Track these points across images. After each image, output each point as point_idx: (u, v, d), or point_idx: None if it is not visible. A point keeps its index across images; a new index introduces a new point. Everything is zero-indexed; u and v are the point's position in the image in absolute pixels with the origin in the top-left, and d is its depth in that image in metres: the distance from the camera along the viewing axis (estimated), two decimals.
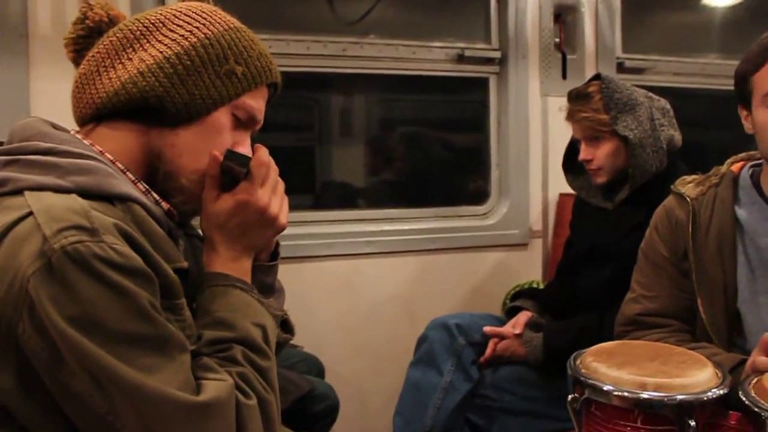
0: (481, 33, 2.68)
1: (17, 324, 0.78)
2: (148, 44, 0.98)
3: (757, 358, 1.14)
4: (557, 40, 2.61)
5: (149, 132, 0.97)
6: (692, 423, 1.00)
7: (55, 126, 0.96)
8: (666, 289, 1.47)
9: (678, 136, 1.96)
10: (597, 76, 1.99)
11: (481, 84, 2.68)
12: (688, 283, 1.43)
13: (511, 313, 2.13)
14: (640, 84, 2.04)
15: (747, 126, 1.37)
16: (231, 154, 1.00)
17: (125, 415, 0.80)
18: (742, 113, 1.37)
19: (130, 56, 0.97)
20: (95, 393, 0.79)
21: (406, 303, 2.47)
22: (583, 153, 1.97)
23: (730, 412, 1.06)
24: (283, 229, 1.05)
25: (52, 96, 1.99)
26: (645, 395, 1.03)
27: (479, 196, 2.72)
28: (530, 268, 2.62)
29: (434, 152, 2.99)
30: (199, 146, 0.99)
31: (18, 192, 0.86)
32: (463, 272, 2.56)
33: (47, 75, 2.04)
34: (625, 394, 1.03)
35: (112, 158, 0.95)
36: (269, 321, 1.00)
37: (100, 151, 0.95)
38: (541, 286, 2.43)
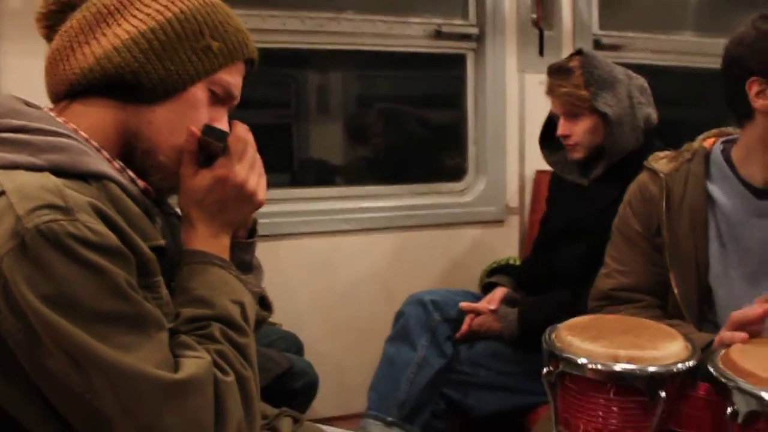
0: (458, 9, 2.67)
1: None
2: (122, 19, 0.96)
3: (723, 332, 1.17)
4: (534, 16, 2.60)
5: (125, 109, 0.96)
6: (662, 394, 1.03)
7: (27, 103, 0.95)
8: (639, 264, 1.49)
9: (654, 115, 1.98)
10: (579, 52, 2.00)
11: (459, 60, 2.67)
12: (661, 258, 1.46)
13: (487, 289, 2.16)
14: (616, 61, 2.05)
15: (760, 103, 1.30)
16: (209, 129, 0.99)
17: (103, 394, 0.80)
18: (753, 88, 1.31)
19: (104, 31, 0.96)
20: (72, 372, 0.79)
21: (384, 280, 2.48)
22: (561, 128, 1.98)
23: (699, 383, 1.09)
24: (261, 204, 1.04)
25: (22, 72, 1.94)
26: (618, 367, 1.05)
27: (456, 173, 2.72)
28: (507, 244, 2.63)
29: (411, 129, 2.98)
30: (176, 122, 0.98)
31: None
32: (440, 249, 2.57)
33: (18, 51, 2.00)
34: (599, 366, 1.05)
35: (86, 136, 0.94)
36: (247, 298, 1.00)
37: (74, 129, 0.93)
38: (518, 263, 2.45)
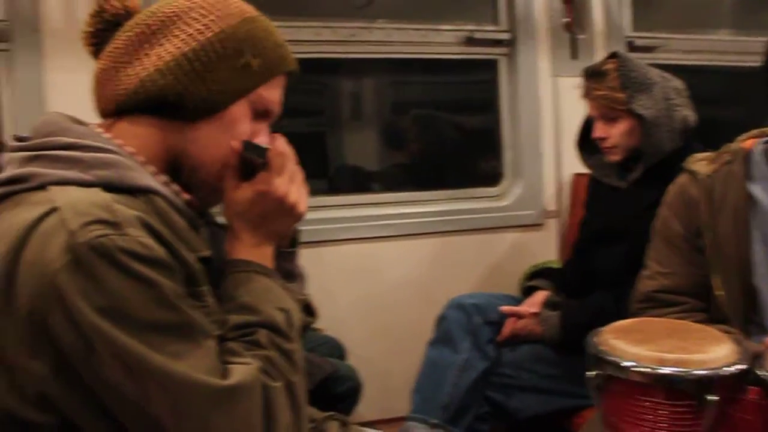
0: (489, 15, 2.67)
1: (49, 317, 0.80)
2: (164, 39, 0.98)
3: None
4: (566, 20, 2.59)
5: (169, 127, 0.98)
6: (712, 398, 1.02)
7: (75, 120, 0.98)
8: (680, 266, 1.48)
9: (692, 116, 1.95)
10: (614, 54, 1.99)
11: (491, 65, 2.67)
12: (703, 260, 1.44)
13: (527, 292, 2.15)
14: (651, 62, 2.03)
15: None
16: (249, 145, 1.01)
17: (156, 401, 0.82)
18: None
19: (148, 52, 0.98)
20: (127, 380, 0.81)
21: (423, 285, 2.49)
22: (598, 131, 1.97)
23: (749, 387, 1.07)
24: (302, 216, 1.05)
25: (65, 88, 2.02)
26: (664, 371, 1.04)
27: (493, 178, 2.72)
28: (545, 248, 2.62)
29: (446, 134, 2.99)
30: (219, 139, 1.00)
31: (43, 187, 0.87)
32: (478, 253, 2.57)
33: (60, 67, 2.06)
34: (645, 369, 1.05)
35: (132, 150, 0.96)
36: (292, 305, 1.02)
37: (121, 144, 0.96)
38: (557, 266, 2.44)
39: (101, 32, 1.04)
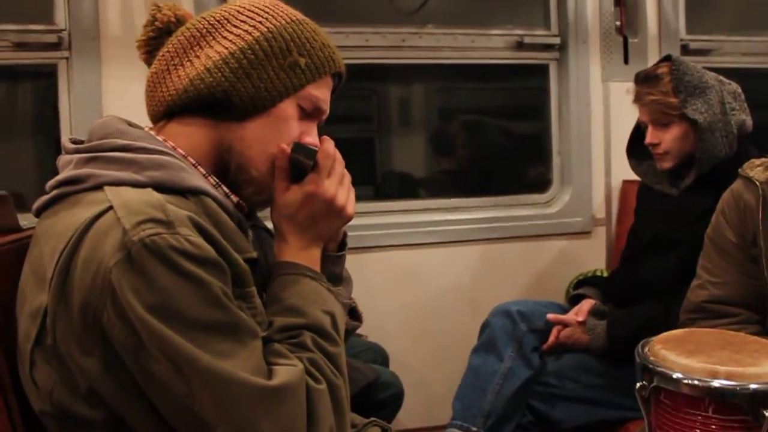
0: (540, 19, 2.65)
1: (102, 312, 0.83)
2: (213, 41, 1.01)
3: None
4: (618, 23, 2.55)
5: (218, 126, 1.01)
6: (767, 413, 0.98)
7: (130, 124, 1.01)
8: (734, 275, 1.45)
9: (749, 121, 1.90)
10: (667, 58, 1.95)
11: (541, 70, 2.65)
12: (758, 270, 1.40)
13: (574, 300, 2.12)
14: (706, 66, 1.98)
15: None
16: (298, 147, 1.02)
17: (202, 398, 0.83)
18: None
19: (197, 54, 1.01)
20: (174, 377, 0.83)
21: (468, 292, 2.47)
22: (650, 137, 1.93)
23: None
24: (350, 219, 1.07)
25: (122, 95, 2.08)
26: (716, 384, 1.01)
27: (541, 184, 2.69)
28: (594, 256, 2.58)
29: (495, 140, 2.97)
30: (268, 138, 1.02)
31: (98, 187, 0.90)
32: (525, 261, 2.54)
33: (118, 75, 2.12)
34: (696, 382, 1.02)
35: (183, 153, 0.99)
36: (338, 309, 1.02)
37: (173, 147, 0.98)
38: (605, 275, 2.40)
39: (154, 40, 1.08)
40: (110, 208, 0.86)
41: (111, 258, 0.82)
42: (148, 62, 1.08)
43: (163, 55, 1.04)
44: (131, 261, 0.82)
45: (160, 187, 0.90)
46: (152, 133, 1.01)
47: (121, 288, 0.81)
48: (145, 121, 1.06)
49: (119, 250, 0.82)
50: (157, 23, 1.07)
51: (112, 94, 2.13)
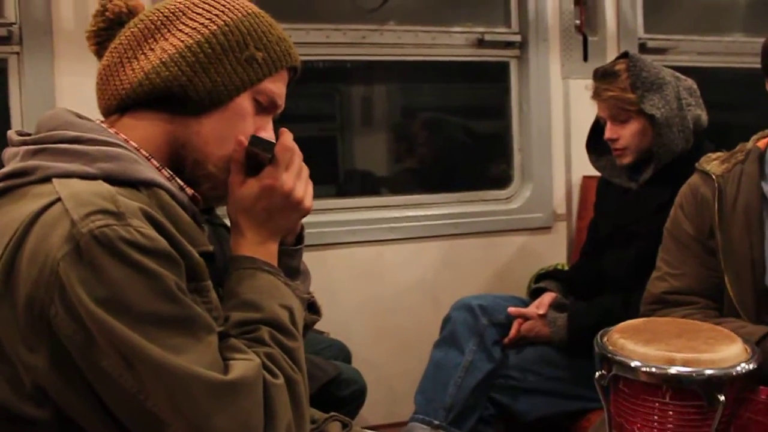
0: (500, 17, 2.66)
1: (49, 306, 0.80)
2: (168, 34, 0.99)
3: None
4: (578, 21, 2.58)
5: (173, 121, 0.98)
6: (721, 398, 1.00)
7: (80, 116, 0.98)
8: (692, 266, 1.47)
9: (704, 116, 1.94)
10: (624, 54, 1.98)
11: (502, 68, 2.66)
12: (715, 261, 1.43)
13: (535, 294, 2.14)
14: (663, 64, 2.01)
15: None
16: (256, 140, 1.01)
17: (155, 394, 0.81)
18: None
19: (152, 46, 0.98)
20: (126, 373, 0.80)
21: (430, 288, 2.47)
22: (609, 132, 1.95)
23: (760, 386, 1.06)
24: (309, 211, 1.05)
25: (76, 90, 2.03)
26: (673, 371, 1.03)
27: (502, 181, 2.71)
28: (554, 251, 2.60)
29: (456, 138, 2.98)
30: (224, 132, 1.00)
31: (46, 179, 0.87)
32: (487, 257, 2.55)
33: (72, 71, 2.07)
34: (653, 369, 1.04)
35: (136, 145, 0.96)
36: (296, 303, 1.01)
37: (125, 139, 0.96)
38: (566, 269, 2.42)
39: (104, 31, 1.04)
40: (58, 199, 0.83)
41: (59, 250, 0.79)
42: (99, 54, 1.05)
43: (115, 48, 1.01)
44: (80, 253, 0.79)
45: (111, 180, 0.88)
46: (104, 125, 0.98)
47: (69, 281, 0.79)
48: (99, 116, 1.03)
49: (67, 242, 0.80)
50: (107, 14, 1.04)
51: (65, 91, 2.08)
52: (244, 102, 1.01)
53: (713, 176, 1.45)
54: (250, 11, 1.03)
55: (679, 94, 1.90)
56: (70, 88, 2.07)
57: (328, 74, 2.68)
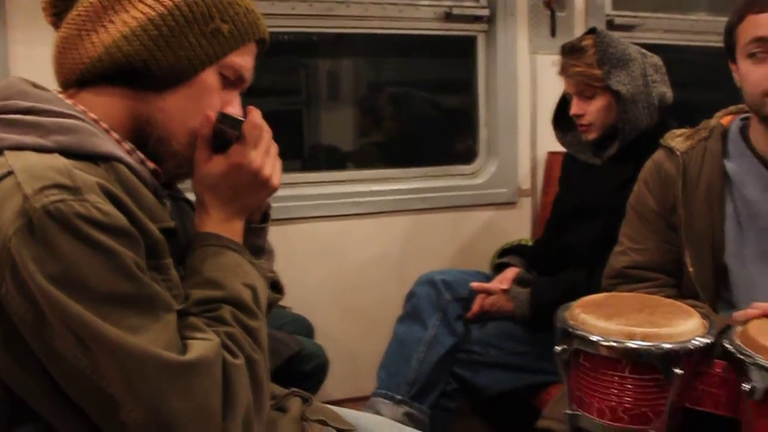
0: None
1: (0, 284, 0.78)
2: (129, 5, 0.95)
3: (734, 312, 1.16)
4: None
5: (136, 96, 0.95)
6: (678, 371, 1.02)
7: (36, 85, 0.94)
8: (653, 242, 1.49)
9: (669, 93, 1.96)
10: (592, 30, 1.98)
11: (469, 43, 2.65)
12: (676, 237, 1.45)
13: (498, 269, 2.15)
14: (630, 41, 2.02)
15: (736, 78, 1.37)
16: (224, 117, 0.98)
17: (110, 375, 0.79)
18: (732, 67, 1.38)
19: (112, 18, 0.94)
20: (79, 353, 0.79)
21: (395, 263, 2.47)
22: (575, 108, 1.96)
23: (715, 360, 1.08)
24: (276, 189, 1.03)
25: (31, 60, 1.95)
26: (632, 344, 1.04)
27: (468, 156, 2.71)
28: (519, 226, 2.62)
29: (422, 112, 2.97)
30: (189, 109, 0.97)
31: None
32: (452, 231, 2.55)
33: (25, 39, 2.00)
34: (613, 344, 1.05)
35: (95, 117, 0.93)
36: (260, 282, 0.99)
37: (83, 111, 0.93)
38: (530, 245, 2.44)
39: (61, 1, 1.00)
40: (10, 173, 0.80)
41: (10, 226, 0.77)
42: (56, 26, 1.01)
43: (73, 19, 0.97)
44: (32, 229, 0.77)
45: (68, 153, 0.85)
46: (61, 96, 0.95)
47: (21, 258, 0.76)
48: (55, 86, 0.99)
49: (19, 217, 0.77)
50: None
51: (19, 60, 2.01)
52: (210, 77, 0.97)
53: (678, 152, 1.46)
54: None
55: (645, 70, 1.91)
56: (25, 58, 2.00)
57: (293, 47, 2.64)
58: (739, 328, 1.09)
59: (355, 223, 2.43)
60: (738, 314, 1.15)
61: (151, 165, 0.97)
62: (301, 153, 2.85)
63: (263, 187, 1.01)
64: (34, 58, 1.92)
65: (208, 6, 0.96)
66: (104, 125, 0.93)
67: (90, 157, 0.87)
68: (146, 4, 0.94)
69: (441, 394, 1.94)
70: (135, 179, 0.90)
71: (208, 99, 0.98)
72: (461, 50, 2.69)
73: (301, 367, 1.84)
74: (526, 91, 2.60)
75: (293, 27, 2.41)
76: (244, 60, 1.00)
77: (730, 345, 1.03)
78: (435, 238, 2.53)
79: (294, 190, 2.38)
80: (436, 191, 2.54)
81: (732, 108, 1.50)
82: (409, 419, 1.85)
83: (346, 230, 2.43)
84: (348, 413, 1.24)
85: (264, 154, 1.00)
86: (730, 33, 1.35)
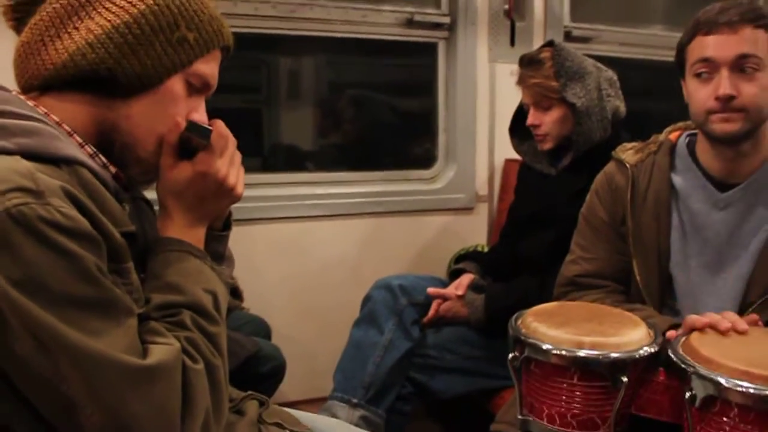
0: None
1: None
2: (94, 12, 0.94)
3: (687, 317, 1.20)
4: (506, 7, 2.61)
5: (101, 103, 0.95)
6: (624, 379, 1.06)
7: None
8: (604, 251, 1.53)
9: (623, 107, 2.01)
10: (550, 43, 2.02)
11: (430, 48, 2.68)
12: (625, 246, 1.49)
13: (454, 275, 2.18)
14: (586, 53, 2.07)
15: (685, 94, 1.42)
16: (192, 126, 0.99)
17: (71, 379, 0.79)
18: (682, 83, 1.42)
19: (77, 25, 0.94)
20: (40, 356, 0.78)
21: (353, 266, 2.49)
22: (531, 118, 2.00)
23: (659, 368, 1.12)
24: (239, 198, 1.04)
25: None
26: (582, 353, 1.08)
27: (426, 161, 2.73)
28: (476, 232, 2.66)
29: (382, 116, 2.98)
30: (154, 116, 0.97)
31: None
32: (410, 235, 2.58)
33: None
34: (563, 352, 1.08)
35: (57, 120, 0.92)
36: (221, 288, 1.00)
37: (46, 113, 0.92)
38: (486, 250, 2.48)
39: (23, 5, 0.99)
40: None
41: None
42: (18, 30, 0.99)
43: (35, 24, 0.96)
44: None
45: (30, 156, 0.84)
46: (22, 98, 0.94)
47: None
48: (11, 85, 0.97)
49: None
50: None
51: None
52: (176, 84, 0.97)
53: (627, 165, 1.51)
54: None
55: (600, 84, 1.96)
56: None
57: (255, 45, 2.62)
58: (683, 338, 1.14)
59: (314, 225, 2.44)
60: (690, 319, 1.18)
61: (113, 169, 0.97)
62: (261, 152, 2.84)
63: (227, 195, 1.03)
64: None
65: (174, 14, 0.96)
66: (67, 128, 0.93)
67: (52, 160, 0.86)
68: (112, 12, 0.94)
69: (397, 397, 1.96)
70: (97, 183, 0.90)
71: (173, 106, 0.98)
72: (423, 54, 2.71)
73: (258, 369, 1.84)
74: (485, 99, 2.64)
75: (256, 28, 2.40)
76: (209, 67, 1.01)
77: (674, 354, 1.07)
78: (393, 241, 2.55)
79: (254, 191, 2.37)
80: (395, 195, 2.57)
81: (680, 124, 1.55)
82: (365, 422, 1.88)
83: (305, 232, 2.44)
84: (304, 416, 1.26)
85: (229, 164, 1.01)
86: (680, 51, 1.39)
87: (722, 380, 0.98)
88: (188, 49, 0.97)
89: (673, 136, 1.52)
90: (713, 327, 1.13)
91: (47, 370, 0.79)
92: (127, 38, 0.93)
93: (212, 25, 1.00)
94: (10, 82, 0.98)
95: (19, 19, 0.99)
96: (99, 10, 0.94)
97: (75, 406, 0.80)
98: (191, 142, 0.99)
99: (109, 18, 0.94)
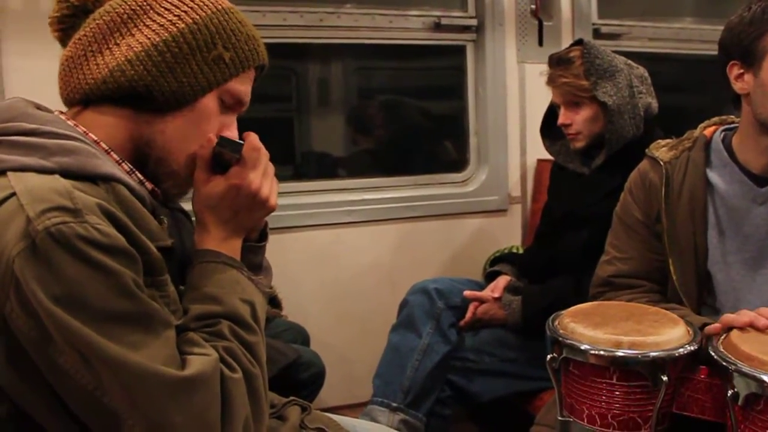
0: (457, 1, 2.67)
1: (4, 303, 0.80)
2: (135, 29, 0.97)
3: (723, 315, 1.18)
4: (533, 7, 2.61)
5: (137, 118, 0.97)
6: (664, 378, 1.05)
7: (38, 107, 0.96)
8: (639, 251, 1.51)
9: (655, 104, 1.99)
10: (579, 42, 2.01)
11: (459, 50, 2.68)
12: (660, 246, 1.47)
13: (490, 277, 2.17)
14: (616, 49, 2.06)
15: (739, 86, 1.35)
16: (224, 141, 1.01)
17: (112, 391, 0.81)
18: (734, 72, 1.35)
19: (118, 41, 0.96)
20: (83, 369, 0.81)
21: (387, 271, 2.50)
22: (562, 117, 1.99)
23: (700, 366, 1.11)
24: (274, 209, 1.06)
25: (24, 72, 1.98)
26: (620, 353, 1.07)
27: (458, 164, 2.74)
28: (509, 233, 2.65)
29: (413, 120, 2.99)
30: (189, 132, 0.99)
31: (1, 173, 0.86)
32: (443, 239, 2.58)
33: (19, 51, 2.02)
34: (602, 352, 1.07)
35: (95, 138, 0.95)
36: (258, 298, 1.02)
37: (84, 132, 0.95)
38: (521, 252, 2.47)
39: (68, 18, 1.02)
40: (13, 194, 0.82)
41: (14, 247, 0.79)
42: (63, 41, 1.03)
43: (80, 39, 0.99)
44: (35, 250, 0.79)
45: (68, 174, 0.87)
46: (62, 117, 0.96)
47: (24, 278, 0.78)
48: (50, 98, 1.01)
49: (22, 239, 0.79)
50: (72, 0, 1.01)
51: (14, 72, 2.02)
52: (210, 102, 1.00)
53: (661, 162, 1.49)
54: (219, 7, 1.01)
55: (631, 82, 1.94)
56: (20, 69, 2.01)
57: (284, 54, 2.65)
58: (723, 335, 1.12)
59: (348, 231, 2.46)
60: (727, 318, 1.16)
61: (149, 185, 0.99)
62: (293, 160, 2.86)
63: (261, 207, 1.04)
64: (28, 70, 1.95)
65: (212, 33, 0.98)
66: (104, 146, 0.95)
67: (90, 177, 0.89)
68: (152, 30, 0.96)
69: (436, 401, 1.96)
70: (134, 199, 0.92)
71: (207, 123, 1.00)
72: (452, 56, 2.71)
73: (298, 376, 1.86)
74: (515, 100, 2.63)
75: (285, 38, 2.43)
76: (243, 86, 1.03)
77: (714, 352, 1.06)
78: (427, 245, 2.56)
79: (287, 199, 2.39)
80: (428, 199, 2.57)
81: (715, 119, 1.52)
82: (405, 426, 1.88)
83: (339, 238, 2.46)
84: (346, 421, 1.26)
85: (262, 176, 1.03)
86: (750, 42, 1.31)
87: (765, 378, 0.96)
88: (224, 68, 0.99)
89: (708, 131, 1.50)
90: (752, 325, 1.11)
91: (90, 384, 0.82)
92: (165, 56, 0.96)
93: (248, 44, 1.02)
94: (48, 99, 1.01)
95: (64, 30, 1.02)
96: (140, 27, 0.97)
97: (118, 418, 0.83)
98: (223, 157, 1.01)
99: (149, 35, 0.96)
